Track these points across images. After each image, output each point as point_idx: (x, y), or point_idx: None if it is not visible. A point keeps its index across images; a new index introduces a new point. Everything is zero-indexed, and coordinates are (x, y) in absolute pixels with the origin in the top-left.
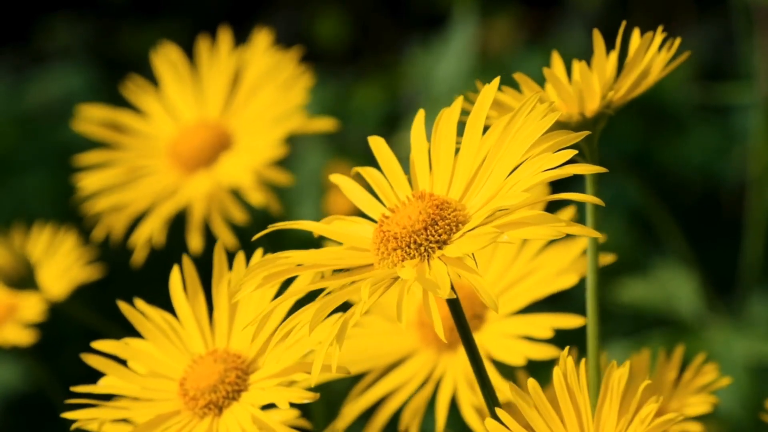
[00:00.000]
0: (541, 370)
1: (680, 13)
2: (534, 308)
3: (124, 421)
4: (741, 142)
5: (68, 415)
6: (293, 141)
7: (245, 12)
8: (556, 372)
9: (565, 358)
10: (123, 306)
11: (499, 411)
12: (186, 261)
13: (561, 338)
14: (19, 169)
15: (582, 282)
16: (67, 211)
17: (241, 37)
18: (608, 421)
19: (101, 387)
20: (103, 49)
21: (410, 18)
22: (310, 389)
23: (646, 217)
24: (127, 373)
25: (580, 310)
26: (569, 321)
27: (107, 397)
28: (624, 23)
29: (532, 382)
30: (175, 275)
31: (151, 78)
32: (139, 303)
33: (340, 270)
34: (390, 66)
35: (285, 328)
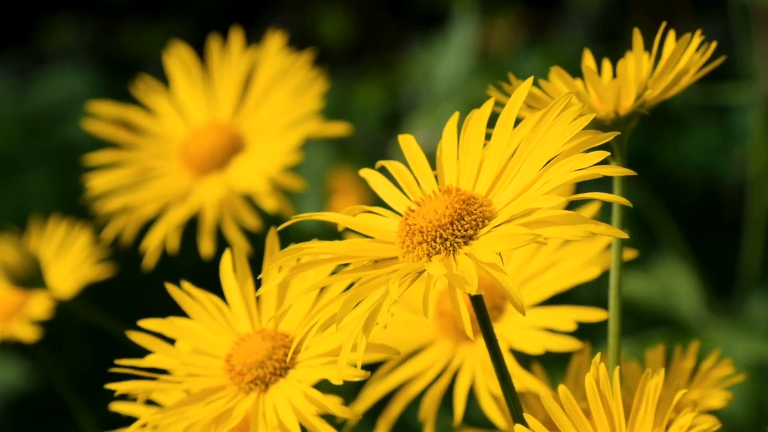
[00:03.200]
0: (553, 361)
1: (679, 13)
2: (546, 301)
3: (155, 404)
4: (740, 142)
5: (112, 386)
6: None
7: (247, 12)
8: (588, 379)
9: (597, 364)
10: (170, 287)
11: (527, 417)
12: (236, 245)
13: (574, 332)
14: (21, 169)
15: (595, 277)
16: (68, 211)
17: (243, 37)
18: (643, 428)
19: (146, 361)
20: (105, 50)
21: (411, 17)
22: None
23: (647, 217)
24: (172, 350)
25: (584, 306)
26: (592, 314)
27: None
28: (664, 24)
29: (562, 389)
30: (226, 259)
31: (155, 78)
32: (186, 285)
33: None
34: (391, 65)
35: (314, 319)
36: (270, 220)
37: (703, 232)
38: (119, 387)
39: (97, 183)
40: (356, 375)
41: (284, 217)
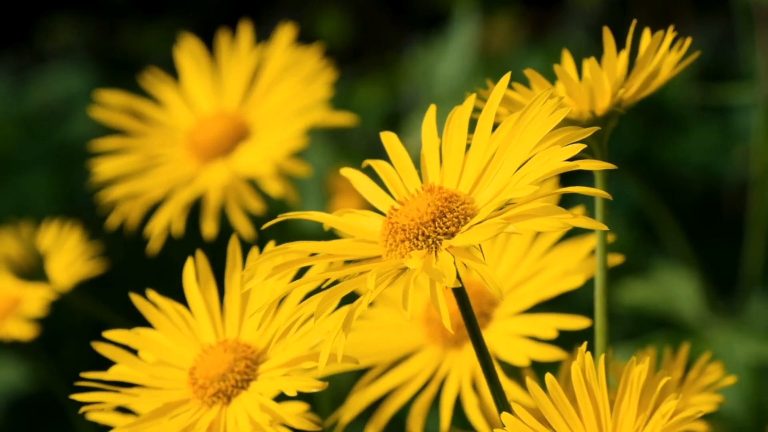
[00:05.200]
0: (544, 371)
1: (680, 13)
2: (536, 308)
3: (130, 411)
4: (741, 142)
5: (76, 397)
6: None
7: (246, 12)
8: (575, 367)
9: (584, 353)
10: (134, 297)
11: (515, 406)
12: (199, 253)
13: (563, 339)
14: (20, 168)
15: (584, 283)
16: (68, 210)
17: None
18: (627, 416)
19: (111, 374)
20: (104, 49)
21: (411, 17)
22: (318, 379)
23: (647, 217)
24: (137, 362)
25: (582, 311)
26: (574, 322)
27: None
28: (635, 22)
29: (549, 378)
30: (188, 266)
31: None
32: (151, 294)
33: (349, 261)
34: (391, 65)
35: (293, 317)
36: (273, 211)
37: (703, 232)
38: (84, 398)
39: (102, 169)
40: (314, 386)
41: (288, 204)
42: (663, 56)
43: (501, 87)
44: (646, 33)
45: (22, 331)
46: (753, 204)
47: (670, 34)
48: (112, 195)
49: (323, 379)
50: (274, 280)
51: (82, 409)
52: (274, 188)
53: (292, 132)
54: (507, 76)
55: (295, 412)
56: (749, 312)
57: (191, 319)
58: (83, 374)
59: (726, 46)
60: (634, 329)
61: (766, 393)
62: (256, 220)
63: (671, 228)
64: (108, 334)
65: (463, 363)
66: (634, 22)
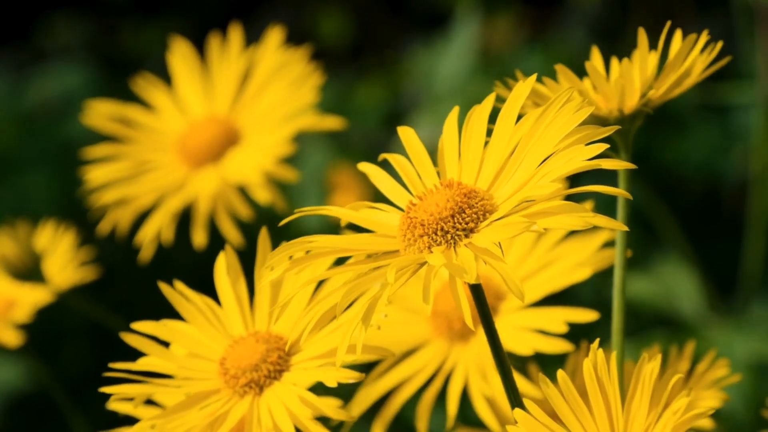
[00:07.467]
0: (550, 363)
1: (680, 12)
2: (539, 302)
3: (154, 403)
4: (741, 141)
5: (107, 389)
6: (296, 139)
7: (246, 10)
8: (587, 363)
9: (596, 350)
10: (164, 287)
11: (527, 402)
12: (228, 247)
13: (568, 333)
14: (19, 167)
15: (586, 279)
16: (68, 209)
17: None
18: (638, 413)
19: (140, 365)
20: (104, 48)
21: (411, 17)
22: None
23: (647, 216)
24: (166, 353)
25: (583, 305)
26: (583, 315)
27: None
28: (668, 24)
29: (561, 374)
30: (220, 260)
31: (153, 75)
32: (179, 285)
33: (368, 256)
34: (391, 64)
35: (312, 310)
36: (266, 217)
37: (703, 232)
38: (114, 390)
39: (94, 176)
40: (351, 377)
41: (277, 210)
42: (695, 58)
43: (525, 85)
44: (678, 35)
45: (8, 337)
46: (753, 204)
47: (704, 37)
48: (102, 200)
49: (359, 370)
50: (305, 273)
51: (111, 399)
52: (263, 196)
53: (281, 138)
54: (533, 77)
55: (334, 405)
56: (749, 311)
57: (220, 311)
58: (112, 365)
59: (727, 45)
60: (632, 327)
61: (765, 391)
62: (254, 220)
63: (671, 228)
64: (136, 325)
65: (470, 355)
66: (668, 23)
